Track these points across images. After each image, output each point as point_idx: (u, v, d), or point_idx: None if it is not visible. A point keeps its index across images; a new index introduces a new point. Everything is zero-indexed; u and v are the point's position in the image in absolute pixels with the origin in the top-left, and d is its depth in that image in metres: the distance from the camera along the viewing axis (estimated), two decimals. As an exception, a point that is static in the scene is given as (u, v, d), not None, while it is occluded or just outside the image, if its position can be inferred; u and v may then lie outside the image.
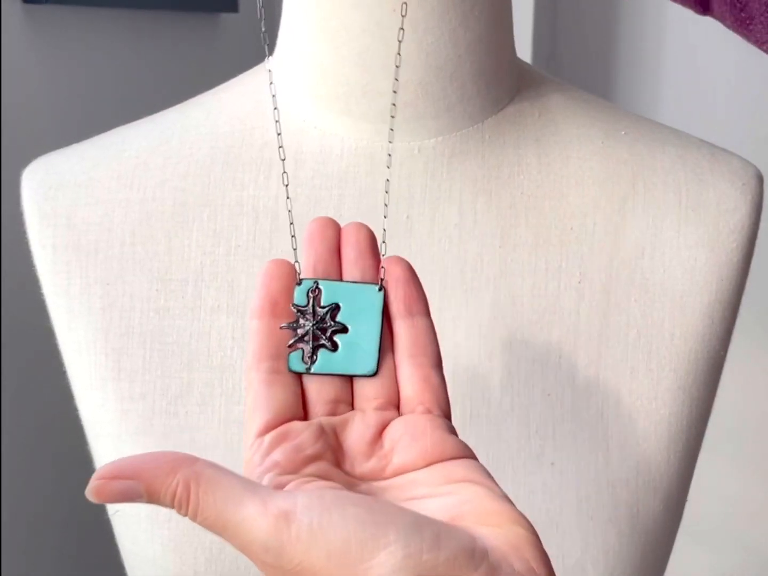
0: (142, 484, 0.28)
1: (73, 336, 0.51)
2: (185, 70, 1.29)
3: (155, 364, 0.49)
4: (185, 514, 0.28)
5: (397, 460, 0.32)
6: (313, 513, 0.27)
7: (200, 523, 0.28)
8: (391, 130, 0.43)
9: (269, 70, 0.47)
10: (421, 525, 0.27)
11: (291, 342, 0.34)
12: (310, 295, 0.35)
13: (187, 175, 0.52)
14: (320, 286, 0.35)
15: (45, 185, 0.53)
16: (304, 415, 0.34)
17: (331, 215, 0.52)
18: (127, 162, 0.53)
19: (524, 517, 0.30)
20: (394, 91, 0.41)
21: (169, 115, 0.55)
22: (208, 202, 0.51)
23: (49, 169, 0.54)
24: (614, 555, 0.48)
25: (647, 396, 0.49)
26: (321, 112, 0.50)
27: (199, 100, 0.55)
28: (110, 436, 0.50)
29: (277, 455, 0.31)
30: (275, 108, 0.40)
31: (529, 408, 0.49)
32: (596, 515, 0.48)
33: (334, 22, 0.48)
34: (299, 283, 0.35)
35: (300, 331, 0.34)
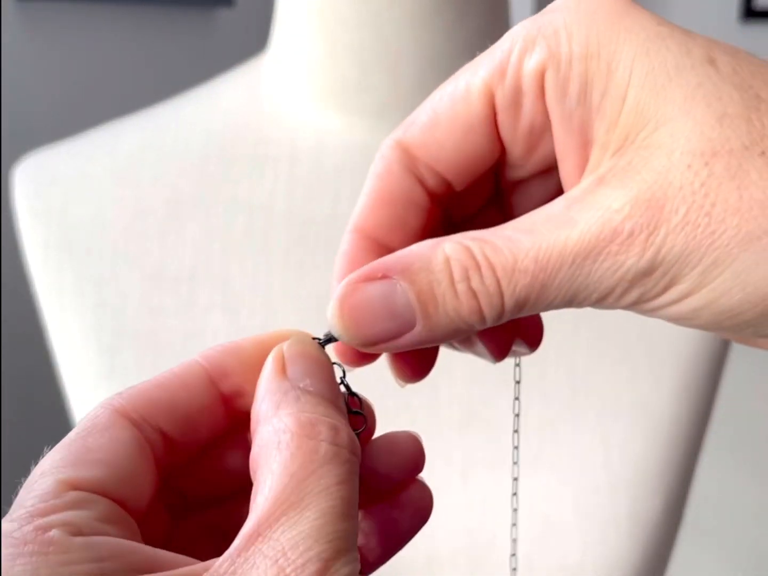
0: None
1: (65, 334, 0.50)
2: (180, 64, 1.28)
3: (148, 363, 0.49)
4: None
5: None
6: None
7: None
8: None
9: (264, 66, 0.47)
10: None
11: None
12: None
13: (180, 171, 0.51)
14: None
15: (37, 182, 0.52)
16: None
17: (326, 212, 0.52)
18: (120, 158, 0.52)
19: None
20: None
21: (163, 110, 0.55)
22: (201, 199, 0.50)
23: (41, 165, 0.53)
24: (614, 555, 0.47)
25: (647, 396, 0.49)
26: (316, 107, 0.50)
27: (192, 95, 0.55)
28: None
29: None
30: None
31: (528, 408, 0.48)
32: (596, 515, 0.47)
33: (330, 15, 0.47)
34: None
35: None
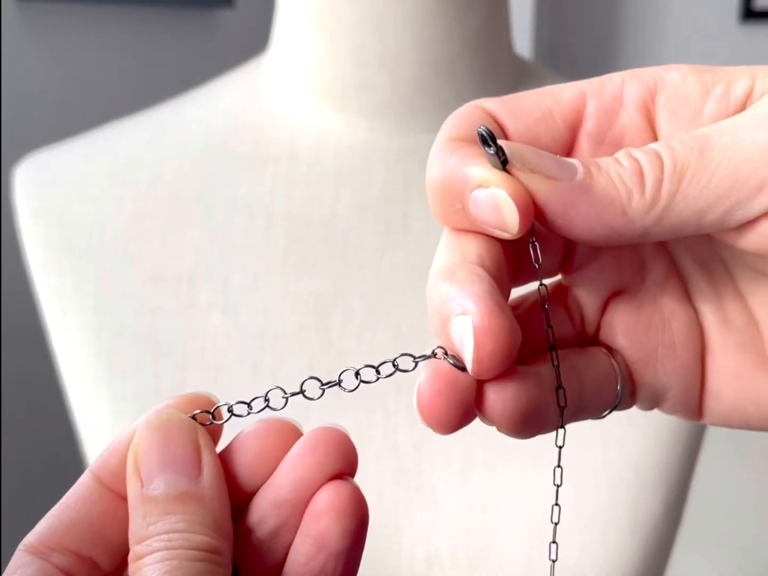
0: None
1: (65, 335, 0.50)
2: (179, 65, 1.28)
3: (148, 363, 0.49)
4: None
5: None
6: None
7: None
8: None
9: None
10: None
11: None
12: None
13: (180, 171, 0.51)
14: None
15: (37, 182, 0.52)
16: None
17: (326, 212, 0.52)
18: (120, 158, 0.52)
19: None
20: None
21: (163, 111, 0.55)
22: (201, 199, 0.50)
23: (41, 166, 0.53)
24: (614, 555, 0.47)
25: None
26: (316, 108, 0.50)
27: (192, 96, 0.55)
28: (103, 436, 0.49)
29: None
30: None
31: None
32: (596, 515, 0.47)
33: (330, 16, 0.47)
34: None
35: None
